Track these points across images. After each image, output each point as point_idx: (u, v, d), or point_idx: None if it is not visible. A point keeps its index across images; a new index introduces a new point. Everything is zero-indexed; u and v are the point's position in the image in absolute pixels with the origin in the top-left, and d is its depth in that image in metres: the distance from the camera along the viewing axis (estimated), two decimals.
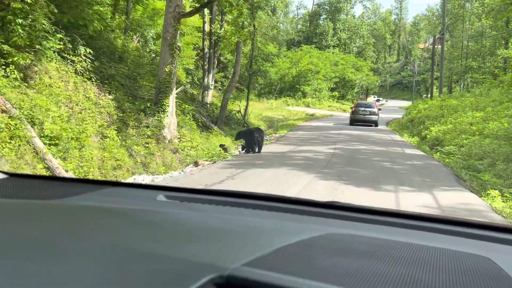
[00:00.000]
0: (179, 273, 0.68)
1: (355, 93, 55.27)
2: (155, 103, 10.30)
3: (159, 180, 7.82)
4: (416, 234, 1.17)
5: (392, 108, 45.12)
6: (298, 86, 42.58)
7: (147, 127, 9.48)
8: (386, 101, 66.08)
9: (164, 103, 10.17)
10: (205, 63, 21.68)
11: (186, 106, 13.26)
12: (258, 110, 27.87)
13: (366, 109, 23.96)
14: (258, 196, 1.52)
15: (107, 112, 8.85)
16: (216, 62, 23.16)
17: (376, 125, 23.49)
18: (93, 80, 9.20)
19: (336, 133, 18.37)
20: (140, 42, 19.00)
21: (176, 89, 11.29)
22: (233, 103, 20.30)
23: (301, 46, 52.19)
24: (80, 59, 9.08)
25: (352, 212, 1.36)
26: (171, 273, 0.68)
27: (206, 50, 21.72)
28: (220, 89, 29.28)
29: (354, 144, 13.93)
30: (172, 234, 0.99)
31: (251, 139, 10.93)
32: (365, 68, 55.07)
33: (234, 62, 24.77)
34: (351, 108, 25.81)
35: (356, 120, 23.75)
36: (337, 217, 1.31)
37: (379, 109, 25.39)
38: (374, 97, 63.13)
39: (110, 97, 9.27)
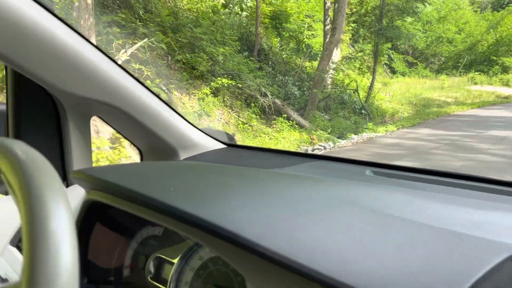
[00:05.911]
0: (472, 245, 0.66)
1: None
2: None
3: None
4: None
5: None
6: (495, 58, 31.24)
7: None
8: None
9: None
10: (326, 23, 15.67)
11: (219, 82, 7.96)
12: (419, 90, 20.23)
13: None
14: (478, 178, 1.22)
15: None
16: (345, 22, 16.72)
17: None
18: None
19: (494, 136, 9.80)
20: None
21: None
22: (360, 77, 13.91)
23: (509, 6, 38.88)
24: None
25: None
26: (464, 244, 0.66)
27: (329, 4, 15.66)
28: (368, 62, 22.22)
29: None
30: (415, 208, 0.89)
31: None
32: None
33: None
34: None
35: None
36: None
37: None
38: None
39: None
